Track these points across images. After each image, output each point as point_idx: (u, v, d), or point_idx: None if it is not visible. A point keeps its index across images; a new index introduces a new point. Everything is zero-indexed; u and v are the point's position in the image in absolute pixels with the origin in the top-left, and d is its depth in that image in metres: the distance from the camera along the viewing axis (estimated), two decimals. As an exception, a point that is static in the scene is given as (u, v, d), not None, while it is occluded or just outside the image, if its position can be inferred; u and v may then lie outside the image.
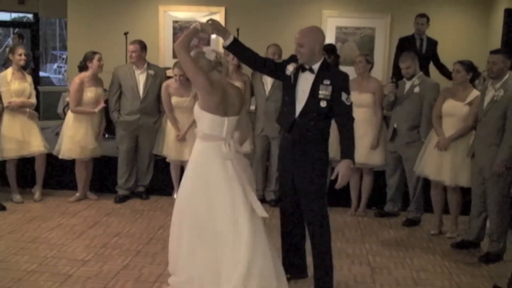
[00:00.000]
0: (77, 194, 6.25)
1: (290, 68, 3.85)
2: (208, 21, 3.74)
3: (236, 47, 3.83)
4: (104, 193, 6.43)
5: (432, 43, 7.28)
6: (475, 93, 5.11)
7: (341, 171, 3.70)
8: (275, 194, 6.20)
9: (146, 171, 6.43)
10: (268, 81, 6.03)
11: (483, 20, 8.54)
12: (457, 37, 8.37)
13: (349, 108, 3.78)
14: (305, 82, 3.81)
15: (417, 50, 6.98)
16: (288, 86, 3.89)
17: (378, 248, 5.03)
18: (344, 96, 3.73)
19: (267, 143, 6.20)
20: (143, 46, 6.18)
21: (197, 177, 3.69)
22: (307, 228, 3.95)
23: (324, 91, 3.73)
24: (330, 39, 8.18)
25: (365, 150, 5.76)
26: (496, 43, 7.55)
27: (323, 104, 3.74)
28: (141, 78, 6.20)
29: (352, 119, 3.80)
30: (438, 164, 5.19)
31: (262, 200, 6.18)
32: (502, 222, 4.76)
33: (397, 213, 5.95)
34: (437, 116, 5.28)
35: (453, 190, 5.30)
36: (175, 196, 5.52)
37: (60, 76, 14.88)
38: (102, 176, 6.58)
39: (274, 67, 3.98)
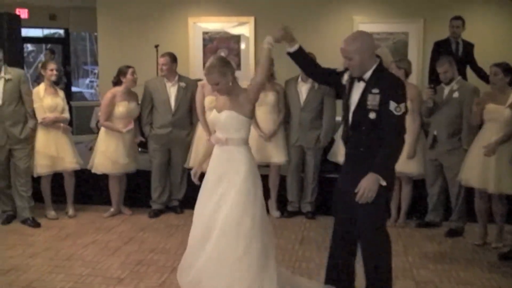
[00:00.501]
0: (112, 209, 6.21)
1: (345, 77, 3.63)
2: (282, 29, 3.63)
3: (299, 55, 3.73)
4: (138, 208, 6.36)
5: (469, 46, 7.07)
6: None
7: (363, 184, 3.36)
8: (311, 206, 6.07)
9: (180, 185, 6.33)
10: (303, 90, 5.90)
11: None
12: (493, 40, 8.12)
13: (396, 119, 3.36)
14: (357, 92, 3.51)
15: (453, 53, 6.78)
16: (344, 96, 3.65)
17: (422, 260, 4.84)
18: (392, 105, 3.34)
19: (302, 153, 6.06)
20: (173, 59, 6.12)
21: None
22: (361, 245, 3.62)
23: (372, 101, 3.39)
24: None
25: (402, 159, 5.54)
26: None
27: (372, 115, 3.39)
28: (172, 91, 6.13)
29: (398, 132, 3.41)
30: (482, 171, 4.98)
31: (298, 212, 6.11)
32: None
33: (439, 223, 5.74)
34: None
35: (498, 199, 5.08)
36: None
37: (92, 90, 15.03)
38: (136, 190, 6.53)
39: (333, 77, 3.77)
